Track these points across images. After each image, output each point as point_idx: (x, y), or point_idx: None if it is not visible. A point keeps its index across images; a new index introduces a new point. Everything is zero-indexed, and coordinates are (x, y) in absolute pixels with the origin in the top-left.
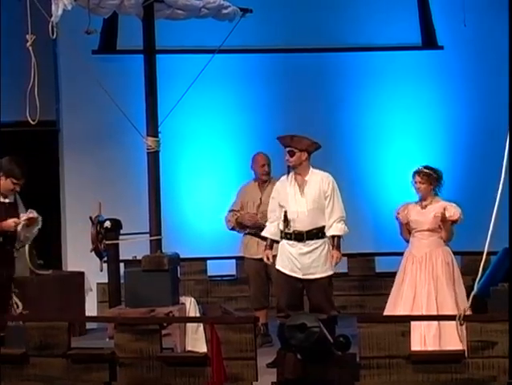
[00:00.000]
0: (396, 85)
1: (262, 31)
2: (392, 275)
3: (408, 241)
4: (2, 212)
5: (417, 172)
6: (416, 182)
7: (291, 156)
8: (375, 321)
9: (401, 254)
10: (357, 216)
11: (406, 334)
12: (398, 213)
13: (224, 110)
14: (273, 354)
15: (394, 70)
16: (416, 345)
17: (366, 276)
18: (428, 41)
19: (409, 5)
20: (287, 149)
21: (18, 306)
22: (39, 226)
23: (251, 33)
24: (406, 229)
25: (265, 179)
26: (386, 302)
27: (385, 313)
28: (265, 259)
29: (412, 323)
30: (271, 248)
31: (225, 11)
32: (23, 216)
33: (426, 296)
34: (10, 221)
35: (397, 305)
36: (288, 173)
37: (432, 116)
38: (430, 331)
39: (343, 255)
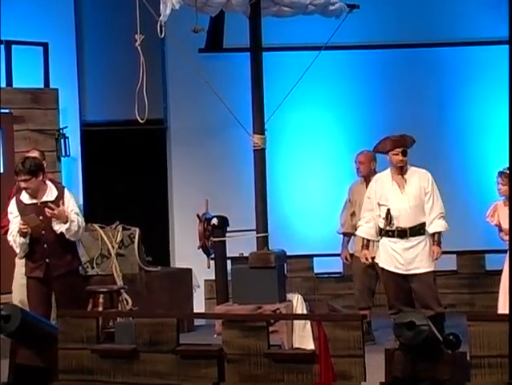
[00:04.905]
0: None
1: (367, 27)
2: None
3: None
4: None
5: (500, 173)
6: (498, 183)
7: (404, 155)
8: (485, 319)
9: None
10: (466, 213)
11: None
12: (488, 217)
13: (329, 106)
14: (374, 351)
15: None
16: None
17: (476, 274)
18: None
19: None
20: (401, 149)
21: (127, 302)
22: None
23: (357, 29)
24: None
25: (361, 175)
26: (496, 300)
27: (499, 312)
28: (363, 260)
29: None
30: (368, 247)
31: (332, 7)
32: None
33: None
34: (62, 211)
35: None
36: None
37: None
38: None
39: (453, 252)
